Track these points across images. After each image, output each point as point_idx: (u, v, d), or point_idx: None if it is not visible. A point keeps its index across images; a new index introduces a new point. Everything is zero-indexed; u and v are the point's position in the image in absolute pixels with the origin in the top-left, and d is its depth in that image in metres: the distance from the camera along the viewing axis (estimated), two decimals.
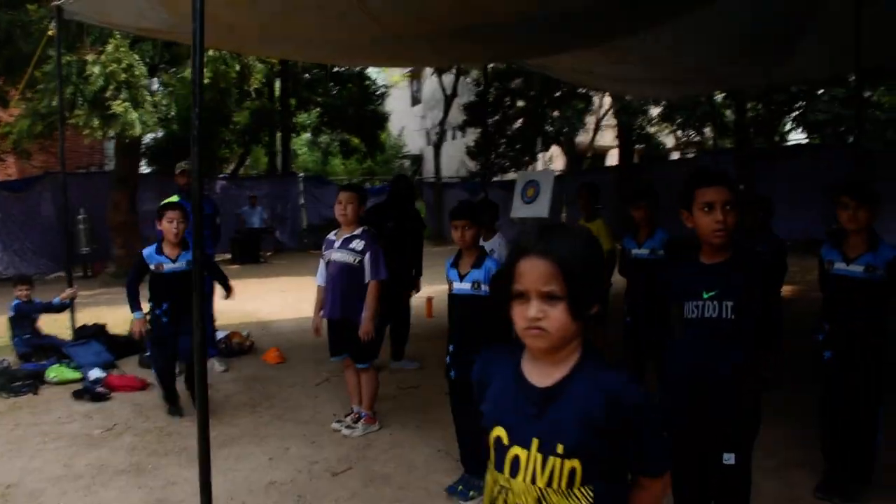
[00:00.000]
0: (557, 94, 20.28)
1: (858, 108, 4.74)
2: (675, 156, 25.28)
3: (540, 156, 26.68)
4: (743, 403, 2.56)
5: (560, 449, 1.52)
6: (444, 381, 6.15)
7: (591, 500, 1.53)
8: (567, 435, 1.53)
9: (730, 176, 2.55)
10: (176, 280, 5.14)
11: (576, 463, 1.52)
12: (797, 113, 12.52)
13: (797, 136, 13.71)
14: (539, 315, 1.51)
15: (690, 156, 23.04)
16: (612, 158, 30.88)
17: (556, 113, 21.65)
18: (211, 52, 10.47)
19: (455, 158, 28.02)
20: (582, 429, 1.52)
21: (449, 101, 23.83)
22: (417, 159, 36.14)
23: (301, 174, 23.22)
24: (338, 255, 4.79)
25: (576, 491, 1.53)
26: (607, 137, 29.17)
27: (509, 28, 5.29)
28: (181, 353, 5.19)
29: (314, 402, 5.69)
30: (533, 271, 1.51)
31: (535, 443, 1.55)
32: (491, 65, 20.81)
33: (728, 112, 13.77)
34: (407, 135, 35.61)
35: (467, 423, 3.92)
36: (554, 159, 31.63)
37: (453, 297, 3.94)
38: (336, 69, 21.73)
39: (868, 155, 10.12)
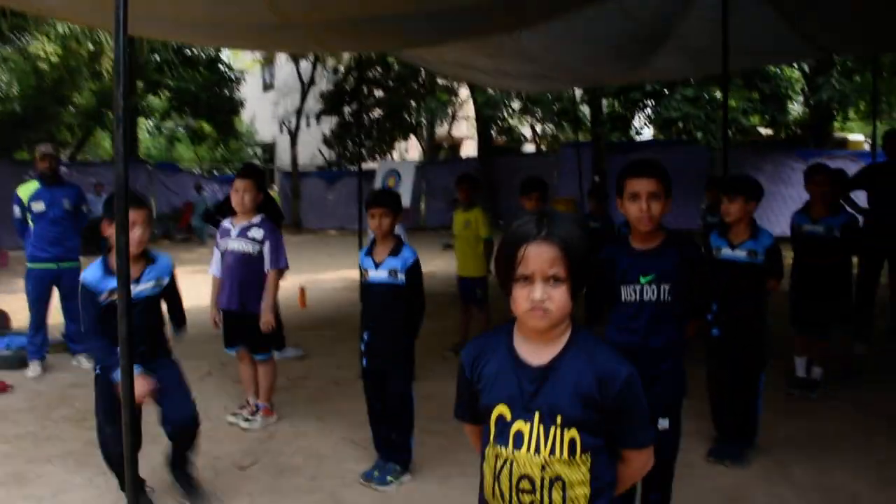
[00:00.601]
0: (418, 85, 20.48)
1: (724, 109, 5.20)
2: (531, 148, 26.27)
3: (397, 146, 26.86)
4: (674, 372, 2.80)
5: (560, 420, 1.64)
6: (333, 370, 6.22)
7: (589, 467, 1.66)
8: (565, 407, 1.65)
9: (660, 167, 2.74)
10: (142, 312, 3.37)
11: (574, 433, 1.65)
12: (650, 110, 13.51)
13: (650, 133, 14.79)
14: (544, 297, 1.61)
15: (544, 149, 24.06)
16: (467, 150, 31.62)
17: (417, 104, 21.85)
18: (60, 28, 9.69)
19: (311, 147, 27.61)
20: (578, 401, 1.65)
21: (306, 88, 23.44)
22: (270, 147, 35.24)
23: (149, 162, 22.01)
24: (235, 245, 4.65)
25: (577, 459, 1.65)
26: (462, 129, 29.83)
27: (404, 19, 5.33)
28: (170, 420, 3.50)
29: (201, 397, 5.43)
30: (539, 256, 1.60)
31: (536, 416, 1.66)
32: (349, 54, 20.69)
33: (585, 107, 14.60)
34: (259, 122, 34.60)
35: (380, 409, 3.96)
36: (410, 150, 31.93)
37: (368, 286, 3.95)
38: (189, 51, 20.73)
39: (710, 150, 11.12)
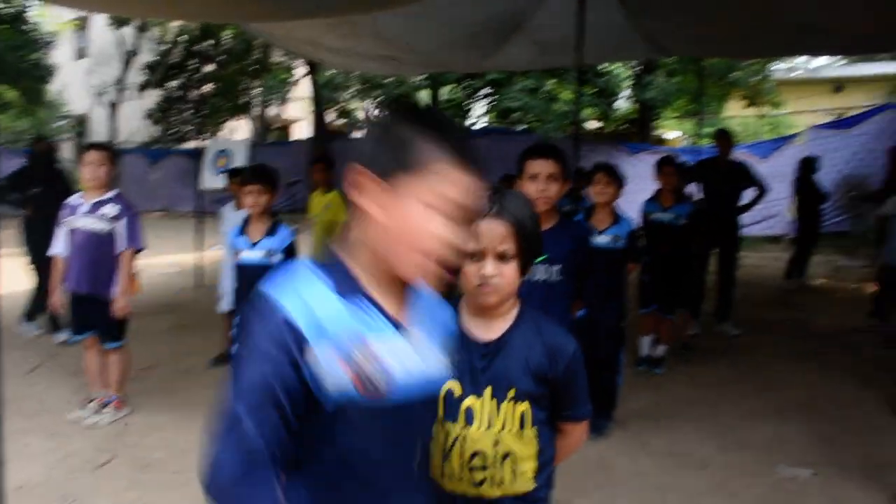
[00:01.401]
0: (252, 62, 19.68)
1: (577, 103, 5.46)
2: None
3: (227, 125, 25.70)
4: None
5: (511, 393, 1.65)
6: (182, 358, 5.86)
7: (536, 439, 1.69)
8: (516, 381, 1.66)
9: (560, 150, 2.81)
10: None
11: (525, 406, 1.66)
12: (490, 99, 13.85)
13: (487, 121, 15.18)
14: (494, 272, 1.61)
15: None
16: (298, 132, 30.86)
17: (252, 81, 21.00)
18: None
19: (132, 122, 25.73)
20: (528, 375, 1.67)
21: (128, 57, 21.78)
22: (82, 120, 32.47)
23: None
24: (84, 222, 4.23)
25: (527, 433, 1.68)
26: (294, 110, 29.07)
27: None
28: None
29: (35, 391, 4.98)
30: (490, 232, 1.60)
31: (488, 391, 1.66)
32: (177, 23, 19.47)
33: (424, 93, 14.74)
34: (70, 92, 31.71)
35: None
36: (238, 129, 30.66)
37: (242, 267, 3.75)
38: None
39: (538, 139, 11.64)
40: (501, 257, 1.62)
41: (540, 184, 2.77)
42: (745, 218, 6.77)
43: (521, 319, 1.71)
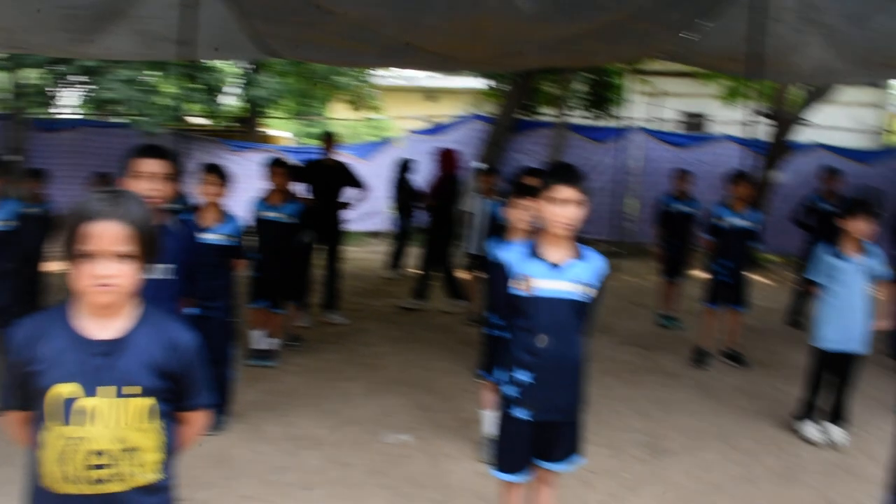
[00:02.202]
0: None
1: (181, 98, 5.36)
2: None
3: None
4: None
5: (134, 391, 1.70)
6: None
7: (161, 433, 1.76)
8: (139, 378, 1.71)
9: (168, 150, 2.82)
10: None
11: (148, 402, 1.72)
12: (86, 88, 12.54)
13: (83, 112, 13.71)
14: (113, 273, 1.63)
15: None
16: None
17: None
18: None
19: None
20: (152, 371, 1.73)
21: None
22: None
23: None
24: None
25: (150, 425, 1.73)
26: None
27: None
28: None
29: None
30: (108, 233, 1.63)
31: (110, 390, 1.67)
32: None
33: (2, 75, 12.78)
34: None
35: None
36: None
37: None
38: None
39: (150, 134, 11.04)
40: (119, 257, 1.64)
41: (148, 183, 2.76)
42: (348, 215, 7.30)
43: (143, 317, 1.76)
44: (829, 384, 4.59)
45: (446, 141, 13.39)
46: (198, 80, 12.45)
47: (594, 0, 5.58)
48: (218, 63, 13.04)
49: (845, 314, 4.41)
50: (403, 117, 17.30)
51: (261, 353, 5.69)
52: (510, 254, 2.70)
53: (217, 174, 4.30)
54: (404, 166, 10.25)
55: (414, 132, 14.03)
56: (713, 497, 3.85)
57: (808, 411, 4.65)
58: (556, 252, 2.63)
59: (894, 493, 2.86)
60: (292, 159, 7.34)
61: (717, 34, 6.63)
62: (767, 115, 11.49)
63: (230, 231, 4.36)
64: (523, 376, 2.66)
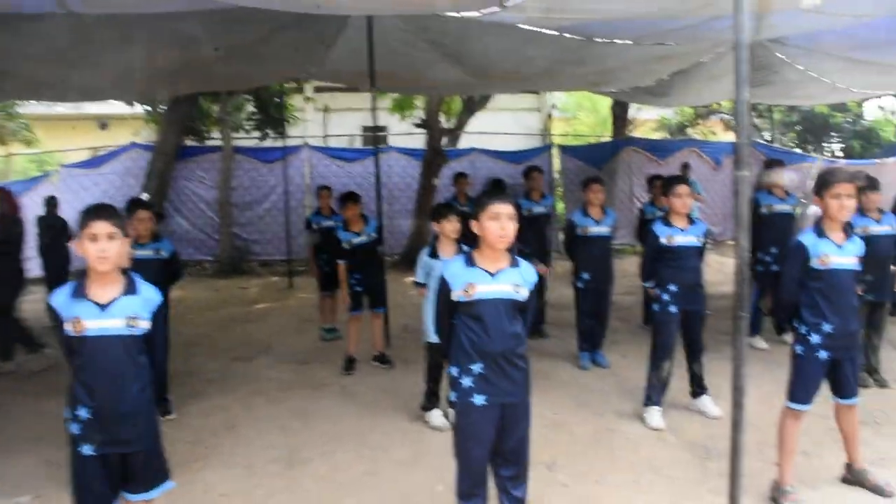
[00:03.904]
0: None
1: None
2: None
3: None
4: None
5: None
6: None
7: None
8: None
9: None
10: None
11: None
12: None
13: None
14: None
15: None
16: None
17: None
18: None
19: None
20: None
21: None
22: None
23: None
24: None
25: None
26: None
27: None
28: None
29: None
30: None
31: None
32: None
33: None
34: None
35: None
36: None
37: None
38: None
39: None
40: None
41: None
42: None
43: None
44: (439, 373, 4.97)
45: (106, 173, 12.57)
46: None
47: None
48: None
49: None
50: (73, 149, 15.76)
51: None
52: None
53: None
54: (51, 203, 9.43)
55: (68, 166, 12.93)
56: (338, 494, 4.03)
57: (433, 401, 5.01)
58: None
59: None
60: None
61: (344, 54, 7.03)
62: (420, 125, 12.29)
63: None
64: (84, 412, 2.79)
